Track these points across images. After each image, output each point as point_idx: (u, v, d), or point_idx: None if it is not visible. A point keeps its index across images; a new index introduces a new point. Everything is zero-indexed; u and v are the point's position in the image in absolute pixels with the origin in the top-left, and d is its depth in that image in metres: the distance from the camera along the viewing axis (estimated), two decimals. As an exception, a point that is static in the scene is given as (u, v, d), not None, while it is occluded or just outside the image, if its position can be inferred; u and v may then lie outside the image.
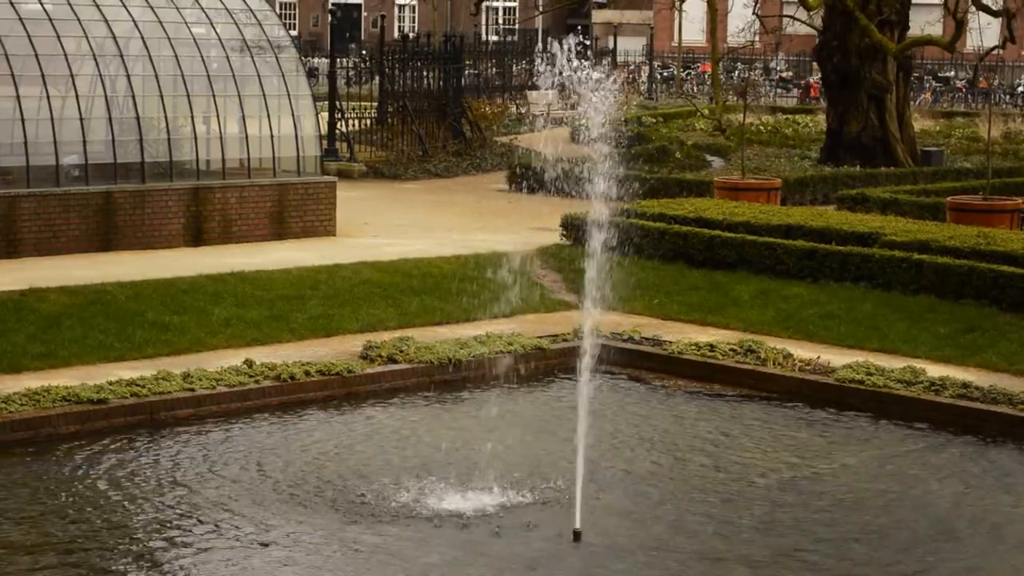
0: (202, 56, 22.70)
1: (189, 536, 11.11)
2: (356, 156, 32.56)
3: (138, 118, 21.83)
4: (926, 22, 40.89)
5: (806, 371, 15.66)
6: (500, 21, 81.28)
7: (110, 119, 21.61)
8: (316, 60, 57.11)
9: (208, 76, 22.67)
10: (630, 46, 66.30)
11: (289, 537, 11.09)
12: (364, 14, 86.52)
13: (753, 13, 36.56)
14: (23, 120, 20.81)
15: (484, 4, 51.09)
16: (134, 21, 22.30)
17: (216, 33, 23.09)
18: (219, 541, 11.01)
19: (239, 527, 11.27)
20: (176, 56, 22.43)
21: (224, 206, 22.33)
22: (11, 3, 21.31)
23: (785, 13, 42.66)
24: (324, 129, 29.30)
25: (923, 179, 29.94)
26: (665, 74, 64.76)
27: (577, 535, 11.13)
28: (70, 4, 21.89)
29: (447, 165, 32.98)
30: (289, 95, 23.33)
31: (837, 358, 15.93)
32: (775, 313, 18.04)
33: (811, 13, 35.96)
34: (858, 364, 15.47)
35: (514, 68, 50.20)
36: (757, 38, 37.75)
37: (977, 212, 22.49)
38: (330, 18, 36.60)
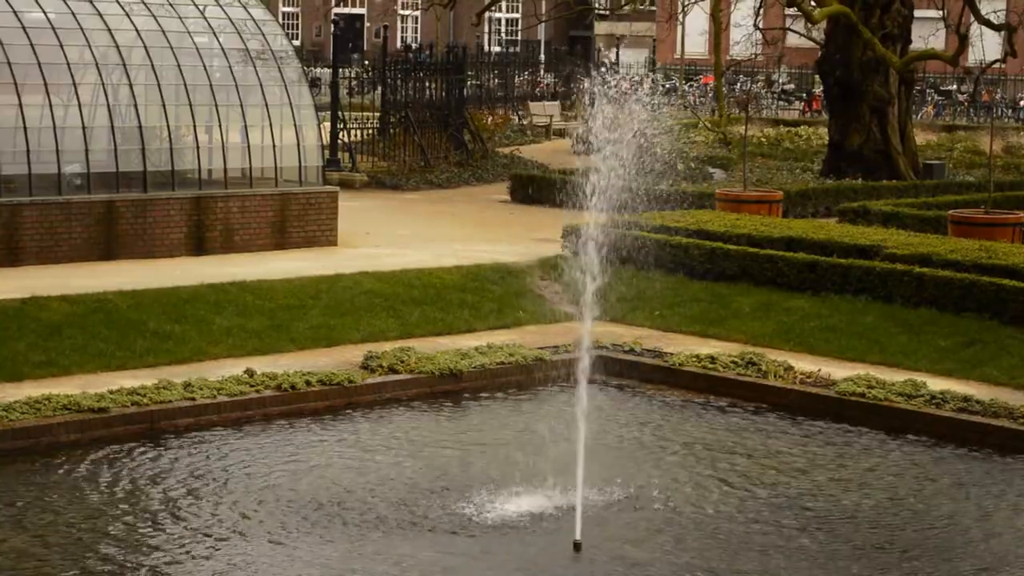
0: (205, 65, 22.70)
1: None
2: (358, 166, 32.56)
3: (140, 127, 21.84)
4: (922, 34, 40.82)
5: (807, 384, 15.65)
6: (502, 32, 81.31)
7: (112, 128, 21.61)
8: (319, 70, 57.13)
9: (211, 85, 22.66)
10: (633, 58, 66.32)
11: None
12: (367, 24, 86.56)
13: (754, 25, 36.53)
14: (25, 128, 20.81)
15: (486, 15, 51.16)
16: (137, 30, 22.31)
17: (219, 43, 23.09)
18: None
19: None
20: (179, 65, 22.43)
21: (226, 215, 22.33)
22: (14, 12, 21.32)
23: (787, 26, 42.58)
24: (326, 139, 29.30)
25: (925, 192, 29.93)
26: (667, 86, 64.75)
27: (577, 546, 11.13)
28: (73, 13, 21.90)
29: (449, 176, 32.98)
30: (291, 105, 23.34)
31: (838, 371, 15.92)
32: (776, 325, 18.03)
33: (807, 27, 35.93)
34: (859, 377, 15.46)
35: (516, 79, 50.18)
36: (760, 50, 37.73)
37: (979, 226, 22.48)
38: (332, 28, 36.63)
